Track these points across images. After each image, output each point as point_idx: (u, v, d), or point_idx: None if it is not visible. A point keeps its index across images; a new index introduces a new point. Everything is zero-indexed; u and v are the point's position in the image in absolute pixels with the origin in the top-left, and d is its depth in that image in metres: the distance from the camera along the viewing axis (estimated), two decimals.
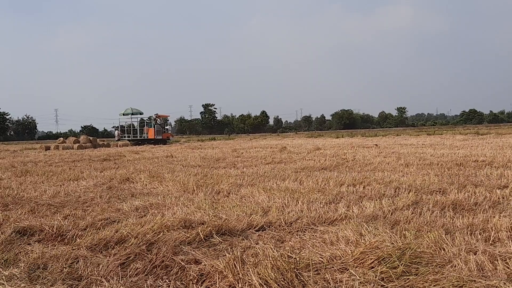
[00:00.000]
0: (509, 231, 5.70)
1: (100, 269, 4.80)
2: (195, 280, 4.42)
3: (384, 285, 4.00)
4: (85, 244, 5.67)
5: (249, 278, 4.17)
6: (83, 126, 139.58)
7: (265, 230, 6.31)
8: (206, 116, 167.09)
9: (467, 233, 5.68)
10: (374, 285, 3.98)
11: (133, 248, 5.35)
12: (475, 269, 4.38)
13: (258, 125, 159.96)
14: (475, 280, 4.03)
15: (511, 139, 29.10)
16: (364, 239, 5.31)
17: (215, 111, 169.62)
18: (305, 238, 5.77)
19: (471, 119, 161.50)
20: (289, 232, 6.14)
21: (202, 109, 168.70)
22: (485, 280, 4.05)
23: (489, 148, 21.01)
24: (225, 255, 4.93)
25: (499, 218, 6.37)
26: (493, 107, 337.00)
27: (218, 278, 4.33)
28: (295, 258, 4.56)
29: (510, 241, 5.27)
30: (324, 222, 6.60)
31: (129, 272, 4.70)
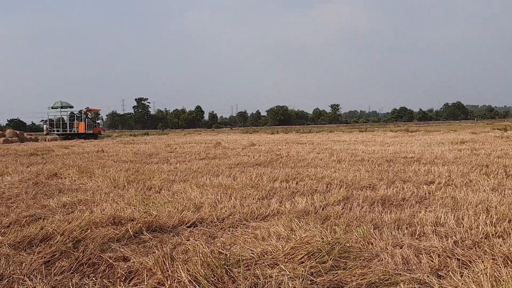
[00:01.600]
0: (434, 226, 5.89)
1: (23, 267, 4.61)
2: (123, 278, 4.32)
3: (313, 280, 4.03)
4: (8, 242, 5.43)
5: (178, 275, 4.11)
6: (9, 119, 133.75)
7: (196, 226, 6.25)
8: (139, 110, 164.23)
9: (394, 227, 5.82)
10: (303, 280, 4.00)
11: (59, 246, 5.17)
12: (401, 262, 4.49)
13: (193, 120, 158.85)
14: (400, 274, 4.14)
15: (438, 136, 30.17)
16: (295, 235, 5.33)
17: (148, 106, 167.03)
18: (237, 234, 5.76)
19: (402, 116, 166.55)
20: (221, 228, 6.10)
21: (135, 103, 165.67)
22: (410, 273, 4.16)
23: (418, 145, 21.69)
24: (155, 252, 4.85)
25: (425, 213, 6.57)
26: (422, 105, 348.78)
27: (147, 276, 4.25)
28: (226, 254, 4.54)
29: (434, 235, 5.43)
30: (256, 218, 6.60)
31: (54, 270, 4.53)
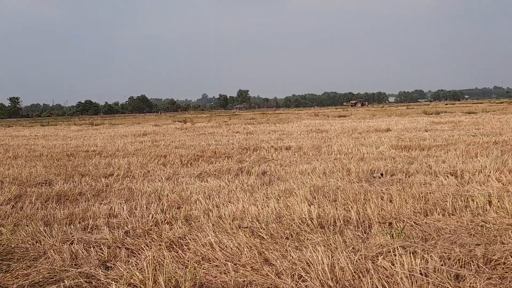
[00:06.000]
0: (108, 218, 5.92)
1: None
2: None
3: None
4: None
5: None
6: None
7: None
8: None
9: (66, 223, 5.67)
10: None
11: None
12: (69, 258, 4.37)
13: None
14: (67, 270, 4.03)
15: (122, 129, 30.64)
16: None
17: None
18: None
19: (88, 110, 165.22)
20: None
21: None
22: (77, 268, 4.08)
23: (101, 138, 21.66)
24: None
25: (100, 205, 6.57)
26: (108, 99, 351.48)
27: None
28: None
29: (107, 227, 5.45)
30: None
31: None
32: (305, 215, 5.50)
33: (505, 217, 5.23)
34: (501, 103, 77.71)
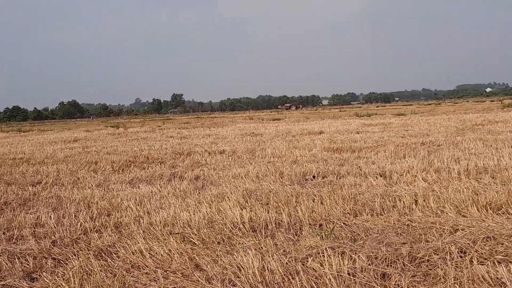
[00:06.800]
0: (33, 227, 5.73)
1: None
2: None
3: None
4: None
5: None
6: None
7: None
8: None
9: None
10: None
11: None
12: None
13: None
14: None
15: (52, 135, 29.77)
16: None
17: None
18: None
19: (16, 116, 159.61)
20: None
21: None
22: (0, 281, 3.93)
23: (29, 145, 20.98)
24: None
25: (25, 215, 6.35)
26: (37, 104, 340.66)
27: None
28: None
29: (32, 237, 5.29)
30: None
31: None
32: (237, 219, 5.51)
33: (430, 216, 5.41)
34: (429, 104, 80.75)
